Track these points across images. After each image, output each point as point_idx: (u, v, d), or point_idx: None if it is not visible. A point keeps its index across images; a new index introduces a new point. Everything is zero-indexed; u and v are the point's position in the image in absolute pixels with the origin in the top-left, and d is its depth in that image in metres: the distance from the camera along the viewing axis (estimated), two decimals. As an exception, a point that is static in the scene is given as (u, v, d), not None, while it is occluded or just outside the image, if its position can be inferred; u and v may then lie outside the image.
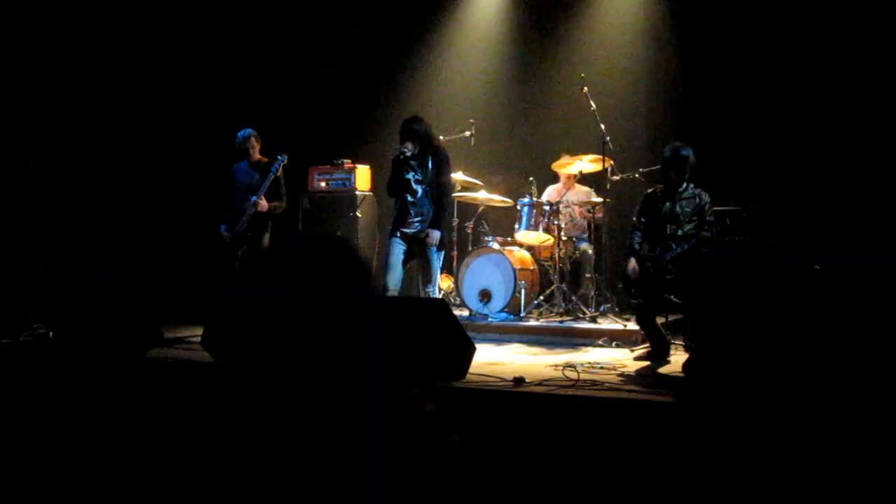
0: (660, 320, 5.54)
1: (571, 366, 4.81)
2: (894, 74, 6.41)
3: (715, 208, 5.46)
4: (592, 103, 6.60)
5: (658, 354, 5.39)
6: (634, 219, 5.67)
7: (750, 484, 3.40)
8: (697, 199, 5.44)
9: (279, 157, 6.36)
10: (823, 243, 6.10)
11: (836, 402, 3.59)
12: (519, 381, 4.37)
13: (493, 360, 5.33)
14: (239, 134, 6.52)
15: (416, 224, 5.99)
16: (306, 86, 8.45)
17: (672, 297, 5.70)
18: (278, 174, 6.36)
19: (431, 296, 5.96)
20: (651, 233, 5.51)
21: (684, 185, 5.43)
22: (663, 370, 5.05)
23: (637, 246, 5.51)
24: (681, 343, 5.79)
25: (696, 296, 5.39)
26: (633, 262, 5.45)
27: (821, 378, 3.72)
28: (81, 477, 4.04)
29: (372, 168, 7.90)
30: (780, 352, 3.90)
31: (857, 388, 3.80)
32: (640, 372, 4.92)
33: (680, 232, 5.41)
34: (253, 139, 6.51)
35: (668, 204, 5.45)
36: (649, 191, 5.65)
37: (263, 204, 6.33)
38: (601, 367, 4.98)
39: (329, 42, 8.43)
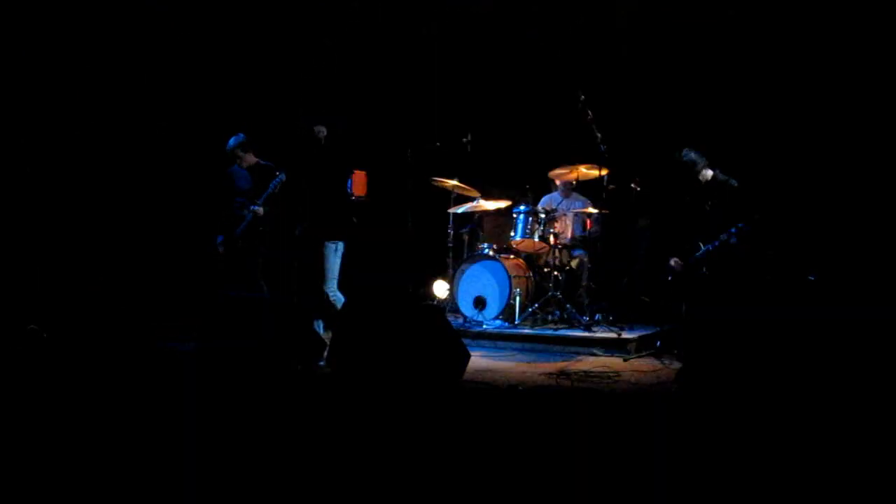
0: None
1: (565, 374, 4.81)
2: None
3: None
4: (590, 112, 6.59)
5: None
6: (672, 218, 5.66)
7: (741, 492, 3.41)
8: (724, 192, 5.39)
9: (278, 174, 6.27)
10: (823, 254, 6.13)
11: (827, 414, 3.61)
12: (513, 388, 4.38)
13: (487, 367, 5.33)
14: (230, 141, 6.47)
15: None
16: (302, 89, 8.45)
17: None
18: (275, 191, 6.27)
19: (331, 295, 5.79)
20: (684, 229, 5.49)
21: (707, 176, 5.39)
22: (657, 379, 5.06)
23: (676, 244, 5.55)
24: (674, 353, 5.81)
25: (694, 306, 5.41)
26: (672, 260, 5.44)
27: (812, 389, 3.73)
28: (74, 477, 4.03)
29: (368, 173, 7.88)
30: (772, 362, 3.92)
31: (847, 400, 3.82)
32: (633, 381, 4.92)
33: (708, 227, 5.36)
34: (245, 145, 6.46)
35: (696, 199, 5.42)
36: (677, 184, 5.62)
37: (261, 211, 6.28)
38: (595, 376, 4.98)
39: (325, 46, 8.43)
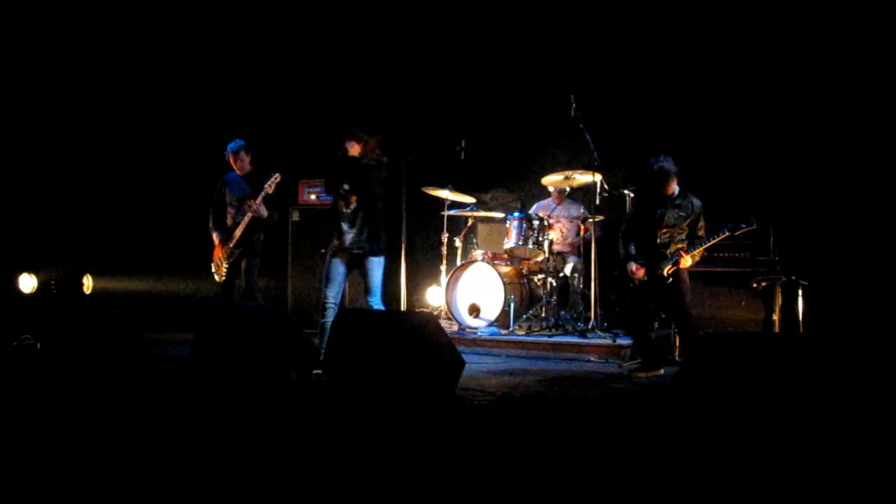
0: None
1: (560, 380, 4.82)
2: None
3: (708, 223, 5.44)
4: (581, 121, 6.57)
5: (650, 367, 5.39)
6: (625, 225, 5.65)
7: (738, 498, 3.41)
8: (689, 206, 5.38)
9: (273, 173, 6.23)
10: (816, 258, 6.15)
11: (824, 420, 3.62)
12: (507, 395, 4.38)
13: (481, 374, 5.33)
14: (229, 146, 6.47)
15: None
16: (297, 97, 8.46)
17: (661, 312, 5.73)
18: (270, 190, 6.23)
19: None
20: (644, 239, 5.48)
21: (675, 191, 5.39)
22: (652, 385, 5.07)
23: (633, 251, 5.50)
24: (668, 359, 5.81)
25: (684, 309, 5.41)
26: (633, 265, 5.45)
27: (810, 394, 3.74)
28: (67, 484, 4.01)
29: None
30: (769, 365, 3.93)
31: (844, 408, 3.83)
32: (628, 387, 4.93)
33: (672, 239, 5.39)
34: (243, 151, 6.46)
35: (660, 210, 5.42)
36: (641, 191, 5.55)
37: (263, 211, 6.22)
38: (589, 383, 4.98)
39: (320, 53, 8.44)
